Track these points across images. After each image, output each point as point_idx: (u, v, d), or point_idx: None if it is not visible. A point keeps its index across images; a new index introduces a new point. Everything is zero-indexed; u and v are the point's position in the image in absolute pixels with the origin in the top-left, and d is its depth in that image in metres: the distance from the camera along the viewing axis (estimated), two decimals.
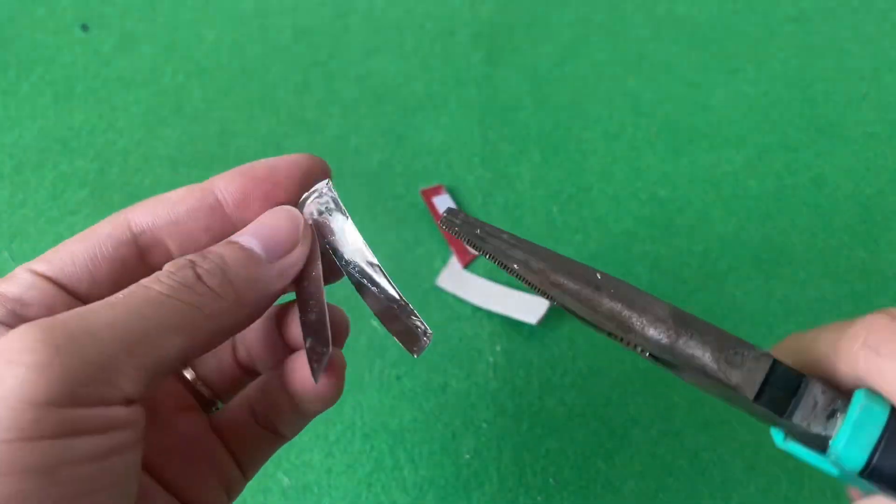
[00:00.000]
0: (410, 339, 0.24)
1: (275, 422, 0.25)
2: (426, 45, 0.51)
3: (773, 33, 0.52)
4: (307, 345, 0.23)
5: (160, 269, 0.22)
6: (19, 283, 0.21)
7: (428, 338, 0.24)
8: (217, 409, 0.26)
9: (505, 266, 0.22)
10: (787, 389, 0.20)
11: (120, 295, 0.19)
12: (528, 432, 0.40)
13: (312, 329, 0.23)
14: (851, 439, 0.19)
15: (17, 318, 0.20)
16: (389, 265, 0.46)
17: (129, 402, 0.18)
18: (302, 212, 0.23)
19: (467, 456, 0.40)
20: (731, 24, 0.52)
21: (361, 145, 0.48)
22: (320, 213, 0.24)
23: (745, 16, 0.53)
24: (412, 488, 0.39)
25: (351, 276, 0.25)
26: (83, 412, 0.16)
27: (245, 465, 0.25)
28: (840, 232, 0.46)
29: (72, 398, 0.16)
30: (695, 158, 0.48)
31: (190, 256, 0.20)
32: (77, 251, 0.22)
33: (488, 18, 0.52)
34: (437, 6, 0.52)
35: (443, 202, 0.45)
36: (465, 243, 0.23)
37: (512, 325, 0.43)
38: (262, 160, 0.23)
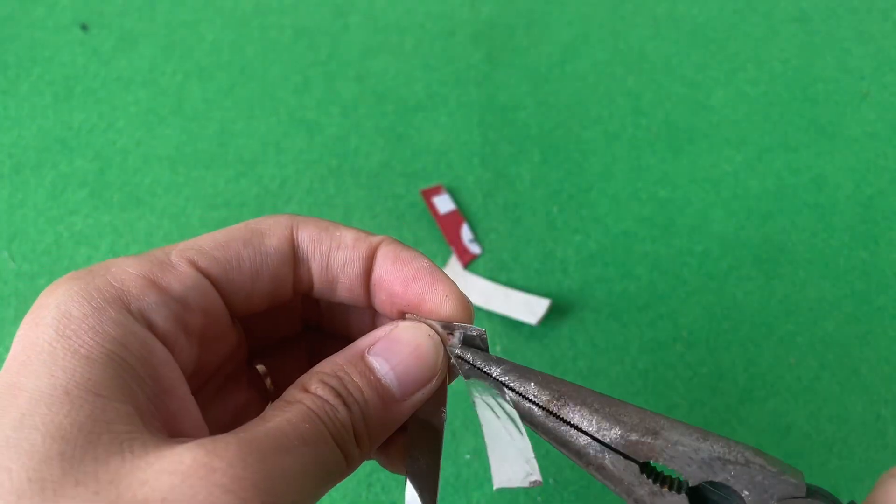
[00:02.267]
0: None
1: None
2: (426, 44, 0.51)
3: (774, 33, 0.52)
4: (412, 487, 0.21)
5: (300, 294, 0.21)
6: (182, 278, 0.19)
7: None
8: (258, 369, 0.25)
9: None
10: None
11: (303, 423, 0.17)
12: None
13: (420, 475, 0.21)
14: None
15: (178, 328, 0.18)
16: None
17: None
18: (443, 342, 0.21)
19: (467, 456, 0.40)
20: (732, 23, 0.52)
21: (361, 145, 0.47)
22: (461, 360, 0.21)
23: (745, 15, 0.52)
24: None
25: (419, 419, 0.22)
26: None
27: None
28: (840, 232, 0.46)
29: None
30: (695, 158, 0.47)
31: (337, 383, 0.19)
32: (245, 258, 0.20)
33: (488, 18, 0.52)
34: (437, 6, 0.52)
35: (443, 202, 0.45)
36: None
37: (512, 326, 0.43)
38: (426, 261, 0.22)
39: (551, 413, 0.21)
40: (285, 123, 0.48)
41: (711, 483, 0.19)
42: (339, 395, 0.18)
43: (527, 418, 0.21)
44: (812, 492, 0.19)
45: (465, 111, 0.49)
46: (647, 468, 0.20)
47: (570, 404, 0.21)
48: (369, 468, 0.39)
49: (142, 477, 0.15)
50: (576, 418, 0.20)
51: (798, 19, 0.52)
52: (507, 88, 0.49)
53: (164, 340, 0.18)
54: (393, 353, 0.20)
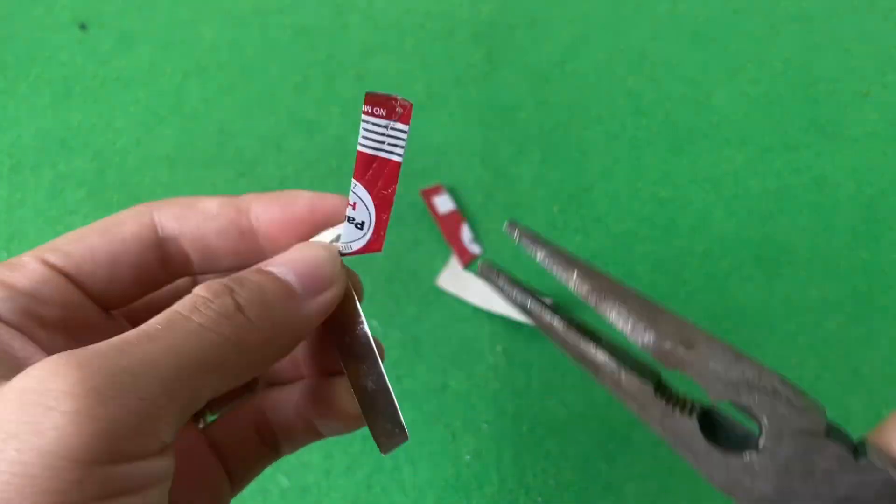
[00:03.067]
0: (386, 433, 0.22)
1: (280, 440, 0.24)
2: (426, 44, 0.51)
3: (775, 32, 0.52)
4: (368, 418, 0.22)
5: (178, 276, 0.21)
6: (30, 274, 0.19)
7: (403, 438, 0.22)
8: (206, 420, 0.25)
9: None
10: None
11: (157, 325, 0.17)
12: (529, 433, 0.40)
13: (372, 400, 0.21)
14: None
15: (30, 319, 0.19)
16: (389, 265, 0.46)
17: (164, 450, 0.16)
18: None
19: (467, 457, 0.40)
20: (733, 23, 0.52)
21: None
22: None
23: (746, 15, 0.52)
24: (412, 490, 0.39)
25: (346, 345, 0.22)
26: (124, 468, 0.15)
27: (237, 479, 0.24)
28: (842, 232, 0.45)
29: (113, 454, 0.15)
30: (696, 158, 0.47)
31: (226, 282, 0.18)
32: (98, 247, 0.20)
33: (488, 18, 0.52)
34: (437, 5, 0.52)
35: (443, 202, 0.45)
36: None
37: (512, 326, 0.42)
38: (301, 193, 0.23)
39: (572, 325, 0.22)
40: (285, 123, 0.48)
41: (731, 403, 0.19)
42: (227, 287, 0.18)
43: (547, 332, 0.22)
44: (829, 430, 0.19)
45: (466, 111, 0.49)
46: (661, 389, 0.20)
47: (609, 300, 0.21)
48: (369, 469, 0.39)
49: None
50: (612, 315, 0.20)
51: (799, 19, 0.52)
52: (507, 88, 0.49)
53: (16, 328, 0.18)
54: (289, 261, 0.20)
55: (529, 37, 0.51)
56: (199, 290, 0.18)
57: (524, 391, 0.41)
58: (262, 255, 0.22)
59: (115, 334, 0.20)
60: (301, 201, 0.22)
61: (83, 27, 0.51)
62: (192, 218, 0.21)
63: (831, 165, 0.47)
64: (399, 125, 0.22)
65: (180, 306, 0.18)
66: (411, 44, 0.51)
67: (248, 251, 0.22)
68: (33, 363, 0.17)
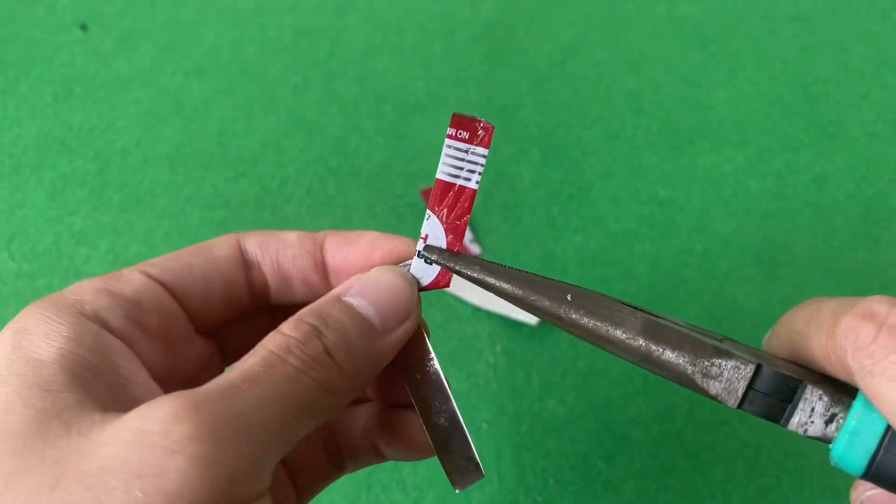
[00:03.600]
0: (459, 470, 0.22)
1: (346, 459, 0.24)
2: (426, 44, 0.51)
3: (774, 33, 0.52)
4: (440, 454, 0.22)
5: (255, 303, 0.22)
6: (133, 284, 0.20)
7: (478, 475, 0.22)
8: None
9: (489, 288, 0.22)
10: (780, 394, 0.19)
11: (258, 367, 0.17)
12: (529, 433, 0.40)
13: (445, 437, 0.21)
14: (849, 446, 0.18)
15: (134, 327, 0.19)
16: None
17: (264, 491, 0.17)
18: None
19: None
20: (732, 23, 0.52)
21: (361, 145, 0.47)
22: None
23: (745, 15, 0.52)
24: (412, 489, 0.39)
25: (416, 381, 0.22)
26: None
27: (304, 494, 0.24)
28: (841, 232, 0.46)
29: (229, 498, 0.15)
30: (695, 158, 0.47)
31: (312, 321, 0.19)
32: (194, 264, 0.21)
33: (488, 18, 0.52)
34: (437, 6, 0.52)
35: None
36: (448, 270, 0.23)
37: (512, 326, 0.43)
38: (367, 232, 0.24)
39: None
40: (285, 123, 0.48)
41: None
42: (314, 329, 0.19)
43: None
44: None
45: (465, 111, 0.49)
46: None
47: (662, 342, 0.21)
48: (369, 469, 0.39)
49: (84, 451, 0.15)
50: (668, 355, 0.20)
51: (798, 19, 0.52)
52: (506, 88, 0.49)
53: (121, 337, 0.19)
54: (368, 291, 0.20)
55: (529, 37, 0.51)
56: (288, 331, 0.19)
57: (524, 391, 0.41)
58: (329, 288, 0.23)
59: (204, 353, 0.22)
60: (366, 239, 0.23)
61: (84, 27, 0.51)
62: (273, 245, 0.22)
63: (831, 166, 0.47)
64: (479, 149, 0.22)
65: (275, 346, 0.18)
66: (411, 44, 0.51)
67: (319, 282, 0.23)
68: (137, 385, 0.18)
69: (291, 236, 0.23)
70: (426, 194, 0.45)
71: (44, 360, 0.17)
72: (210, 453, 0.15)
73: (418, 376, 0.22)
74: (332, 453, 0.24)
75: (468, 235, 0.45)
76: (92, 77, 0.49)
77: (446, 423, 0.21)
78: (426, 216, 0.22)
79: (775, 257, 0.45)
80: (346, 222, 0.45)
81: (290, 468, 0.24)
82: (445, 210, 0.22)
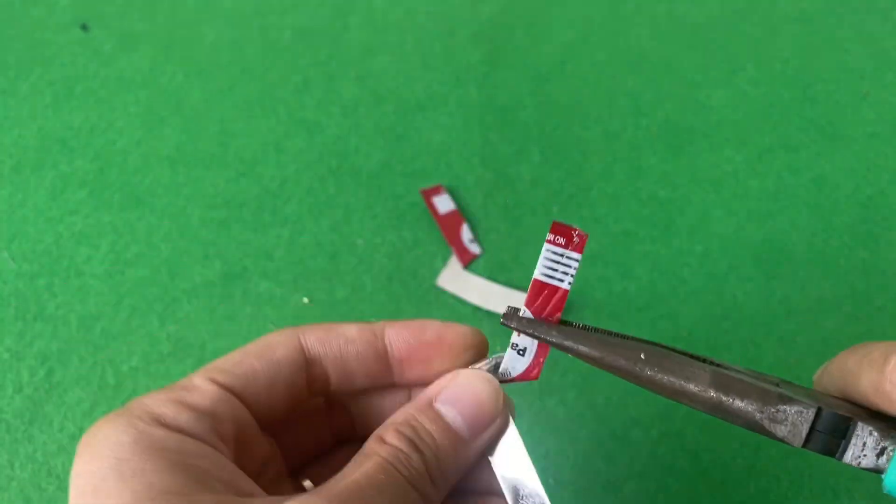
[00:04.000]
0: None
1: None
2: (426, 45, 0.51)
3: (774, 33, 0.52)
4: None
5: (316, 395, 0.24)
6: (208, 395, 0.21)
7: None
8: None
9: (570, 351, 0.23)
10: (835, 432, 0.21)
11: (380, 474, 0.19)
12: (529, 432, 0.40)
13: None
14: None
15: (214, 436, 0.20)
16: (389, 265, 0.46)
17: None
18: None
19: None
20: (732, 23, 0.52)
21: (361, 145, 0.48)
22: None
23: (745, 16, 0.53)
24: None
25: (506, 467, 0.23)
26: None
27: None
28: (840, 232, 0.46)
29: None
30: (695, 158, 0.48)
31: (409, 434, 0.21)
32: (259, 370, 0.22)
33: (488, 18, 0.52)
34: (438, 6, 0.52)
35: (443, 202, 0.45)
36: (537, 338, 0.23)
37: None
38: (430, 322, 0.24)
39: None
40: (285, 123, 0.48)
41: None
42: (412, 441, 0.21)
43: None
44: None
45: (466, 111, 0.49)
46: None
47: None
48: None
49: None
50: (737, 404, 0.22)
51: (798, 19, 0.52)
52: (507, 88, 0.49)
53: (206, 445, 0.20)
54: (458, 399, 0.22)
55: (529, 37, 0.51)
56: (394, 441, 0.21)
57: (523, 390, 0.41)
58: (392, 376, 0.24)
59: (268, 449, 0.24)
60: (431, 330, 0.24)
61: (85, 28, 0.51)
62: (334, 341, 0.23)
63: (830, 165, 0.48)
64: (573, 254, 0.23)
65: (388, 455, 0.20)
66: (411, 44, 0.51)
67: (380, 372, 0.24)
68: (241, 483, 0.19)
69: (352, 330, 0.24)
70: (426, 194, 0.45)
71: (161, 470, 0.18)
72: None
73: (508, 465, 0.23)
74: None
75: (468, 235, 0.45)
76: (92, 77, 0.49)
77: (531, 493, 0.22)
78: (521, 311, 0.23)
79: (775, 257, 0.45)
80: (347, 222, 0.45)
81: None
82: (539, 307, 0.23)
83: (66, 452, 0.39)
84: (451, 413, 0.21)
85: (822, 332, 0.43)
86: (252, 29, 0.51)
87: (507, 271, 0.44)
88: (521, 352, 0.23)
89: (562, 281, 0.23)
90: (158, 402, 0.20)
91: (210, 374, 0.22)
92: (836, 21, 0.52)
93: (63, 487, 0.38)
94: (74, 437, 0.40)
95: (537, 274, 0.23)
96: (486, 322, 0.43)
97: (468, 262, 0.44)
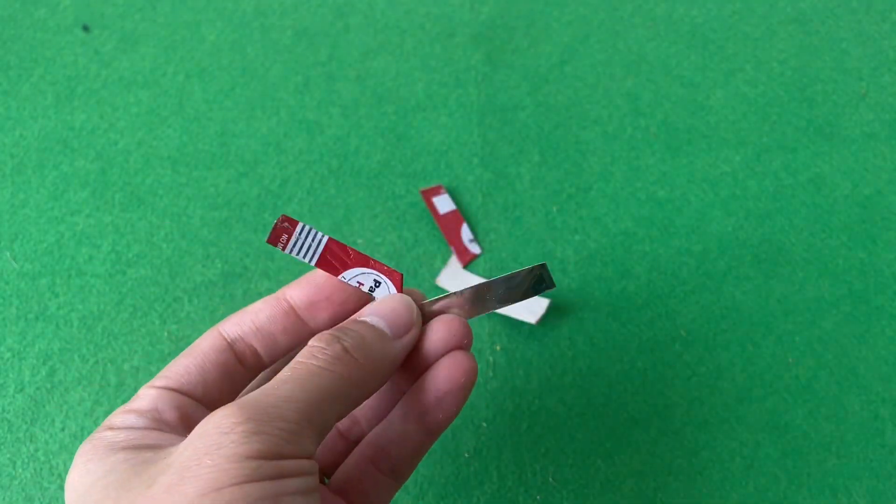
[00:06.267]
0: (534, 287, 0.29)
1: (400, 461, 0.28)
2: (426, 45, 0.51)
3: (772, 34, 0.52)
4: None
5: (255, 370, 0.28)
6: (148, 398, 0.25)
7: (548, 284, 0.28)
8: (326, 482, 0.29)
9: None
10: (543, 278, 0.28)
11: (287, 372, 0.23)
12: (528, 431, 0.41)
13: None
14: None
15: (159, 424, 0.25)
16: (389, 265, 0.46)
17: (310, 456, 0.22)
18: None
19: (467, 455, 0.40)
20: (730, 24, 0.52)
21: (362, 145, 0.48)
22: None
23: (743, 16, 0.53)
24: (413, 487, 0.39)
25: None
26: (286, 462, 0.21)
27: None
28: (838, 232, 0.46)
29: (272, 454, 0.20)
30: (693, 159, 0.48)
31: (333, 332, 0.25)
32: (188, 364, 0.26)
33: (488, 19, 0.52)
34: (437, 7, 0.52)
35: (443, 202, 0.46)
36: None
37: (512, 325, 0.43)
38: (317, 273, 0.28)
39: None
40: (286, 124, 0.48)
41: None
42: (334, 337, 0.25)
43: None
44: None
45: (465, 112, 0.49)
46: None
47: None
48: None
49: (168, 460, 0.21)
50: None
51: (796, 20, 0.53)
52: (506, 89, 0.50)
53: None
54: (377, 310, 0.27)
55: (529, 38, 0.51)
56: (313, 342, 0.24)
57: (523, 390, 0.41)
58: (308, 326, 0.28)
59: None
60: (319, 276, 0.28)
61: (86, 29, 0.51)
62: (246, 318, 0.27)
63: (828, 166, 0.48)
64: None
65: (301, 356, 0.24)
66: (411, 45, 0.51)
67: (295, 325, 0.28)
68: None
69: (258, 304, 0.28)
70: (426, 194, 0.46)
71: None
72: (254, 429, 0.21)
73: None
74: (382, 466, 0.28)
75: (468, 235, 0.45)
76: (94, 78, 0.50)
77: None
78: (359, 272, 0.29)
79: (773, 257, 0.45)
80: (347, 222, 0.45)
81: (349, 496, 0.28)
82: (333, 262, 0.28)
83: (68, 451, 0.39)
84: (374, 318, 0.26)
85: (819, 331, 0.43)
86: (253, 30, 0.51)
87: (506, 271, 0.44)
88: (377, 284, 0.28)
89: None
90: (114, 416, 0.25)
91: (152, 383, 0.26)
92: (833, 22, 0.52)
93: (64, 486, 0.39)
94: (76, 437, 0.40)
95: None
96: (485, 321, 0.43)
97: (468, 261, 0.44)
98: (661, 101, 0.49)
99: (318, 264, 0.27)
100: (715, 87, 0.50)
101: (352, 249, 0.28)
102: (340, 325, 0.26)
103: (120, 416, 0.25)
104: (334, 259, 0.28)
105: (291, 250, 0.27)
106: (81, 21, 0.52)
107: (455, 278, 0.44)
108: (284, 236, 0.27)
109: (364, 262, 0.28)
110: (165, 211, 0.46)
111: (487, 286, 0.28)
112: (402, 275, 0.28)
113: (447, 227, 0.45)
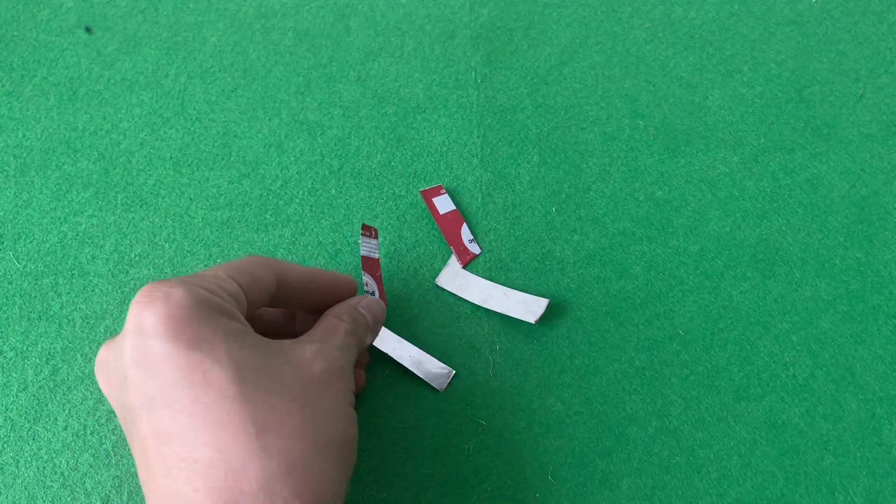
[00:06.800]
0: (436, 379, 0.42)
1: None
2: (426, 47, 0.51)
3: (770, 35, 0.52)
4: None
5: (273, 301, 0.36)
6: (231, 287, 0.31)
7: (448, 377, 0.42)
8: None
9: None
10: None
11: (347, 333, 0.35)
12: (527, 430, 0.41)
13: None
14: None
15: (233, 303, 0.31)
16: (390, 265, 0.47)
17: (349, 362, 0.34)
18: None
19: (467, 453, 0.40)
20: (728, 26, 0.53)
21: (362, 146, 0.48)
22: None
23: (741, 18, 0.53)
24: (413, 485, 0.39)
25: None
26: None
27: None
28: (835, 232, 0.46)
29: (342, 358, 0.34)
30: (691, 159, 0.48)
31: (352, 316, 0.36)
32: (260, 276, 0.33)
33: (487, 21, 0.52)
34: (437, 9, 0.53)
35: (443, 203, 0.46)
36: None
37: (511, 324, 0.43)
38: (342, 280, 0.38)
39: None
40: (287, 125, 0.49)
41: None
42: (355, 321, 0.35)
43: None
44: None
45: (465, 113, 0.49)
46: None
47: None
48: (372, 466, 0.40)
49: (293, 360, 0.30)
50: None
51: (794, 22, 0.53)
52: (506, 90, 0.50)
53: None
54: (369, 307, 0.37)
55: (528, 40, 0.52)
56: (348, 320, 0.35)
57: (522, 388, 0.42)
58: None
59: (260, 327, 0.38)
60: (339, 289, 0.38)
61: (89, 30, 0.51)
62: (301, 271, 0.36)
63: (825, 166, 0.48)
64: (374, 240, 0.42)
65: (348, 326, 0.35)
66: (412, 47, 0.51)
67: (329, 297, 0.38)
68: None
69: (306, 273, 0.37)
70: (426, 195, 0.46)
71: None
72: (330, 353, 0.32)
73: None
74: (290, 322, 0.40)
75: (467, 235, 0.45)
76: (96, 79, 0.50)
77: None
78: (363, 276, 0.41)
79: (770, 257, 0.45)
80: (348, 222, 0.46)
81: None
82: (370, 270, 0.41)
83: (71, 450, 0.40)
84: (367, 313, 0.36)
85: (817, 331, 0.43)
86: (254, 31, 0.52)
87: (506, 271, 0.45)
88: (371, 293, 0.40)
89: (373, 254, 0.41)
90: (207, 281, 0.30)
91: (239, 278, 0.32)
92: (831, 23, 0.53)
93: (67, 485, 0.39)
94: (79, 435, 0.40)
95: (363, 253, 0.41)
96: (484, 320, 0.43)
97: (468, 261, 0.45)
98: (659, 102, 0.50)
99: (364, 260, 0.40)
100: (713, 89, 0.50)
101: (379, 266, 0.42)
102: (349, 309, 0.36)
103: (215, 283, 0.30)
104: (371, 264, 0.41)
105: (362, 244, 0.40)
106: (84, 23, 0.52)
107: (455, 278, 0.44)
108: (371, 232, 0.41)
109: (378, 277, 0.42)
110: (168, 211, 0.46)
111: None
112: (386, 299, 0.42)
113: (447, 228, 0.45)
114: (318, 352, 0.31)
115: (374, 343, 0.41)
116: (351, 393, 0.32)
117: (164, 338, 0.27)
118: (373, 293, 0.40)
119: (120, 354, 0.28)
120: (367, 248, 0.41)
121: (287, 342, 0.31)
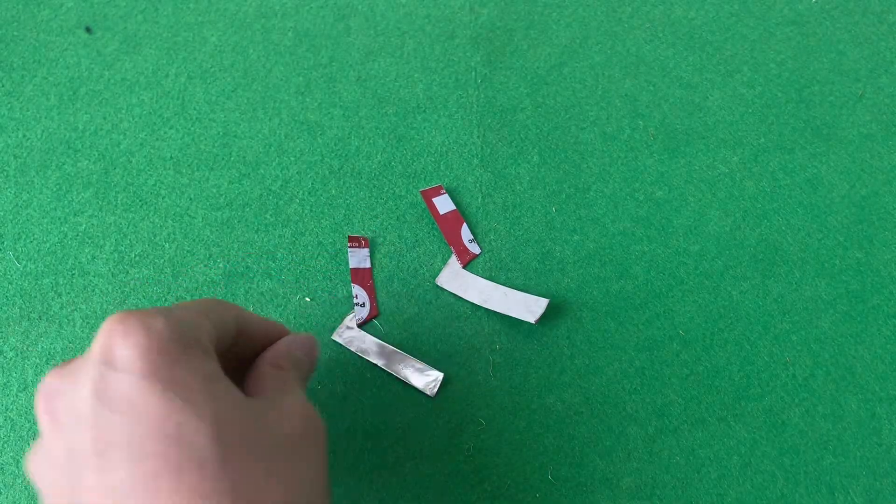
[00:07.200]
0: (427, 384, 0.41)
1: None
2: (426, 47, 0.51)
3: (770, 35, 0.52)
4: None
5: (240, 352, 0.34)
6: (206, 330, 0.29)
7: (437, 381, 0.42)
8: None
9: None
10: None
11: (289, 381, 0.32)
12: (527, 430, 0.41)
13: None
14: None
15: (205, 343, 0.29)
16: (390, 265, 0.47)
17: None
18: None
19: (467, 453, 0.40)
20: (728, 26, 0.53)
21: (362, 146, 0.48)
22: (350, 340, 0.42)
23: (741, 18, 0.53)
24: (413, 485, 0.40)
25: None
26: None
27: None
28: (835, 232, 0.46)
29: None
30: (691, 159, 0.48)
31: (286, 364, 0.33)
32: (226, 321, 0.31)
33: (487, 21, 0.52)
34: (438, 9, 0.53)
35: (443, 203, 0.46)
36: None
37: (511, 324, 0.43)
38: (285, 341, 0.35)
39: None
40: (287, 125, 0.49)
41: None
42: (296, 366, 0.33)
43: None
44: None
45: (465, 113, 0.49)
46: None
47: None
48: (372, 465, 0.40)
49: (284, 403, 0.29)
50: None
51: (794, 22, 0.53)
52: (505, 90, 0.50)
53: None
54: (302, 347, 0.35)
55: (528, 40, 0.52)
56: (288, 367, 0.33)
57: (522, 388, 0.42)
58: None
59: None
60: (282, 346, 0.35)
61: (89, 30, 0.52)
62: (253, 319, 0.34)
63: (825, 166, 0.48)
64: (364, 250, 0.42)
65: (288, 372, 0.33)
66: (412, 47, 0.51)
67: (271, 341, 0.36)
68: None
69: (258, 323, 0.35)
70: (426, 195, 0.46)
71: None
72: (304, 410, 0.30)
73: None
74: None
75: (467, 235, 0.45)
76: (97, 79, 0.50)
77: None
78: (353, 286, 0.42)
79: (770, 257, 0.45)
80: (348, 222, 0.46)
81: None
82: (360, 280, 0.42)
83: None
84: (301, 354, 0.34)
85: (816, 331, 0.44)
86: (254, 32, 0.52)
87: (506, 271, 0.45)
88: (361, 305, 0.41)
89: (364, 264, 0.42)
90: (192, 318, 0.28)
91: (209, 317, 0.30)
92: (830, 23, 0.53)
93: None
94: None
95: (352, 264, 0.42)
96: (484, 320, 0.43)
97: (468, 261, 0.45)
98: (659, 102, 0.50)
99: (353, 272, 0.42)
100: (713, 89, 0.50)
101: (370, 276, 0.43)
102: (289, 357, 0.34)
103: (208, 357, 0.28)
104: (362, 274, 0.41)
105: (351, 255, 0.42)
106: (84, 23, 0.52)
107: (455, 278, 0.44)
108: (360, 242, 0.42)
109: (370, 287, 0.42)
110: (168, 211, 0.46)
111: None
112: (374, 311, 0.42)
113: (447, 228, 0.45)
114: (291, 408, 0.28)
115: (363, 356, 0.42)
116: (326, 445, 0.30)
117: (139, 375, 0.23)
118: (363, 305, 0.41)
119: (77, 386, 0.24)
120: (357, 258, 0.41)
121: (254, 397, 0.28)
